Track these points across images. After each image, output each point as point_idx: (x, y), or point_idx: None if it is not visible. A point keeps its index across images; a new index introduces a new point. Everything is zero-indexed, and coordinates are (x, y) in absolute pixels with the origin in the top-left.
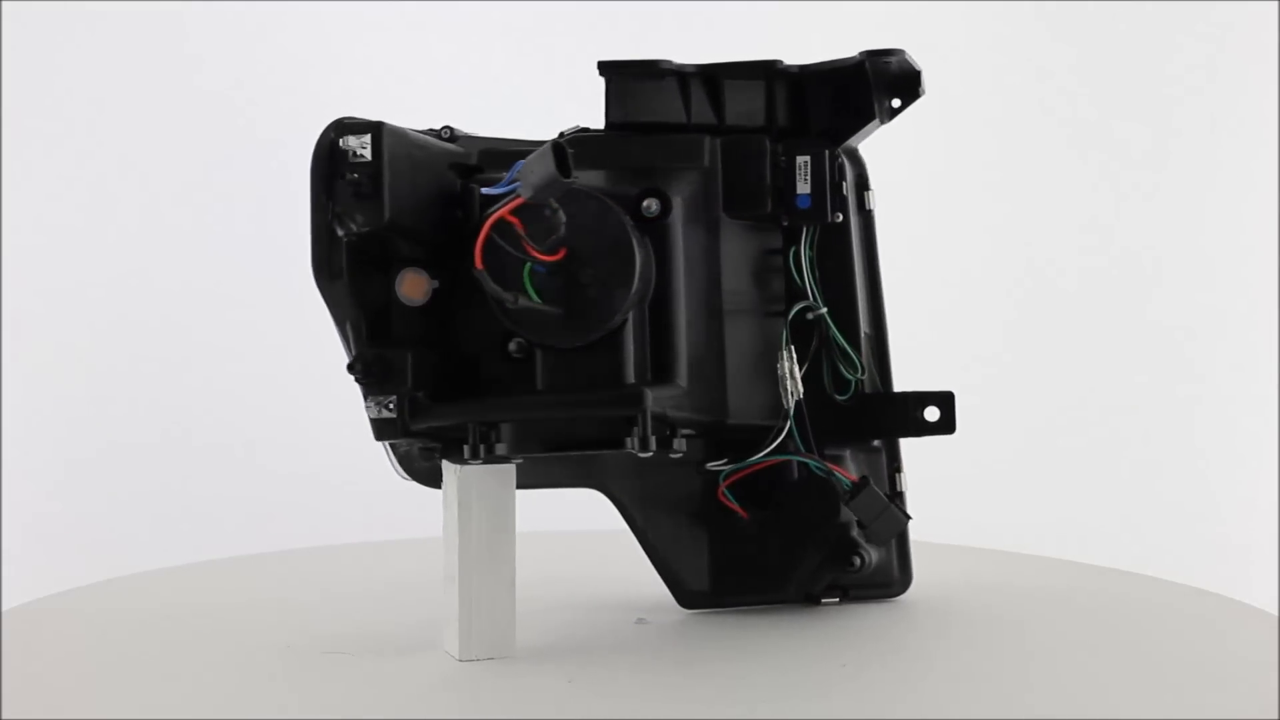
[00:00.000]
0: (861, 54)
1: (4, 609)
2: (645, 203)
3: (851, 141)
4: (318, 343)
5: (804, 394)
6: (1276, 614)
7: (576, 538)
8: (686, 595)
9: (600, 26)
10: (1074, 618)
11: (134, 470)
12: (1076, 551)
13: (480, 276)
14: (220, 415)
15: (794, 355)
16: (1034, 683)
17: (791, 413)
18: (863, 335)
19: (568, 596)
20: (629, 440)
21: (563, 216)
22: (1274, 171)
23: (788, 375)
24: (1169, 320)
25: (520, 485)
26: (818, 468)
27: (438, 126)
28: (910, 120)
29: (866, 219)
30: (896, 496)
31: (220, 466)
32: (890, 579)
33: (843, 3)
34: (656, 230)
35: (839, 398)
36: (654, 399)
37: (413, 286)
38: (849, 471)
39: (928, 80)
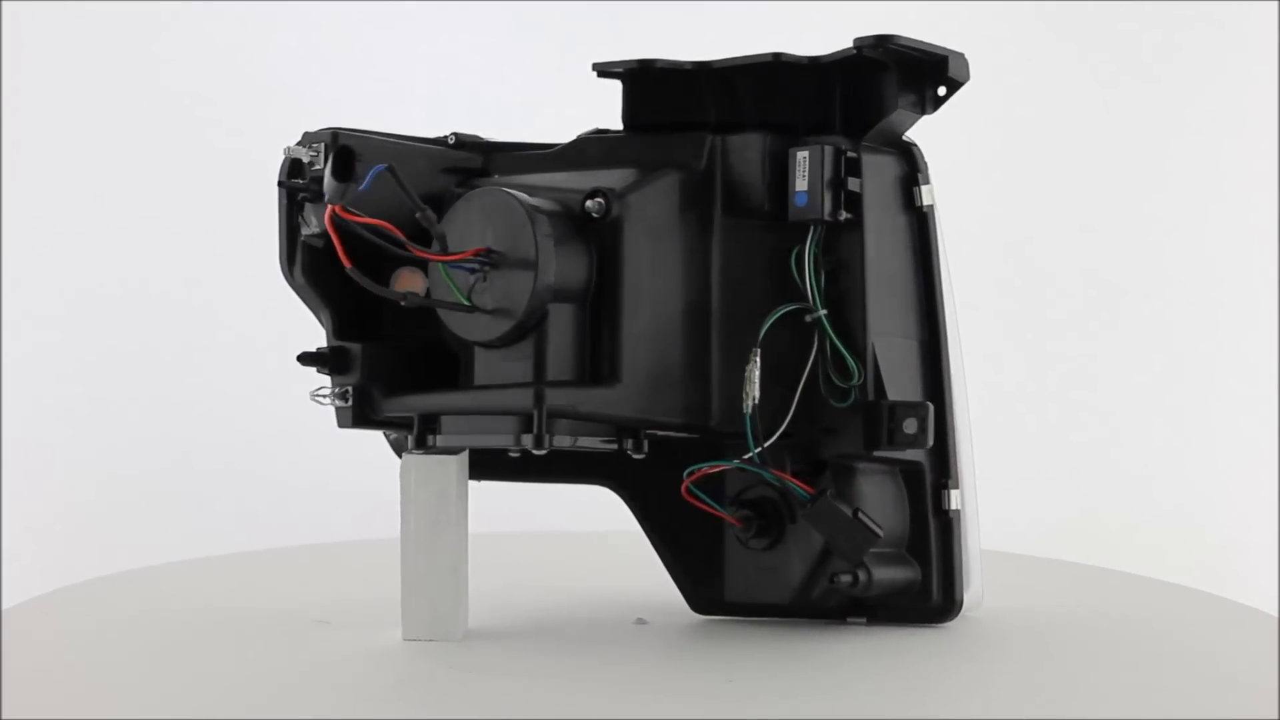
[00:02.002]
0: (855, 42)
1: (4, 608)
2: (588, 202)
3: (894, 131)
4: (317, 344)
5: (807, 400)
6: (1276, 616)
7: (581, 537)
8: (698, 600)
9: (623, 27)
10: (1071, 619)
11: (134, 470)
12: (1074, 553)
13: (354, 275)
14: (222, 414)
15: (758, 360)
16: (1032, 683)
17: (748, 418)
18: (912, 342)
19: (568, 594)
20: (524, 437)
21: (433, 216)
22: (1275, 171)
23: (747, 380)
24: (1169, 320)
25: (534, 480)
26: (771, 479)
27: (447, 134)
28: None
29: (918, 217)
30: (940, 515)
31: (222, 465)
32: (927, 602)
33: (848, 2)
34: (602, 229)
35: (836, 405)
36: (566, 397)
37: (405, 285)
38: (853, 484)
39: (961, 65)
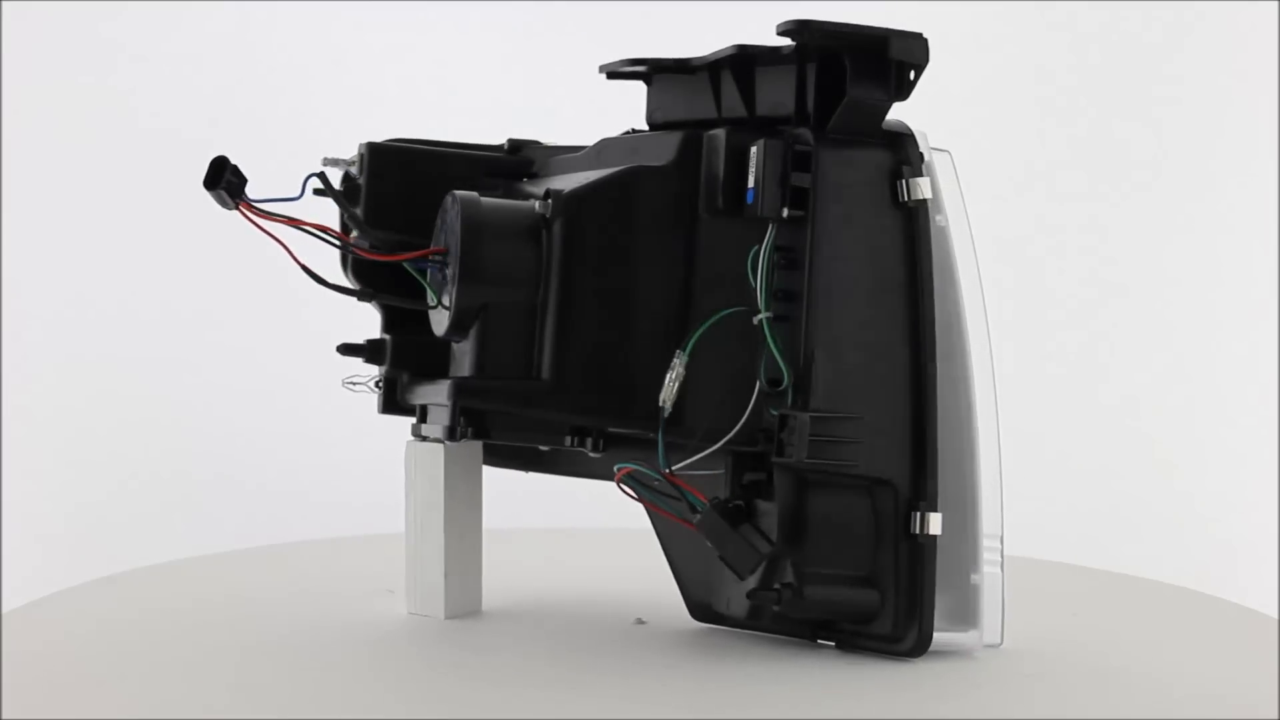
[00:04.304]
0: (778, 29)
1: (4, 610)
2: (536, 204)
3: (865, 120)
4: (319, 345)
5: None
6: (1277, 618)
7: (586, 534)
8: (693, 606)
9: (653, 28)
10: (1071, 620)
11: (136, 469)
12: (1071, 553)
13: (305, 272)
14: (223, 414)
15: (681, 365)
16: (1032, 683)
17: (663, 421)
18: (896, 349)
19: (570, 591)
20: (440, 428)
21: (359, 218)
22: (1274, 171)
23: (669, 381)
24: (1169, 320)
25: (552, 472)
26: (671, 486)
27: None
28: (900, 118)
29: (905, 214)
30: (910, 539)
31: (224, 465)
32: (890, 631)
33: (850, 3)
34: (551, 229)
35: (772, 412)
36: (491, 392)
37: None
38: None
39: (909, 45)
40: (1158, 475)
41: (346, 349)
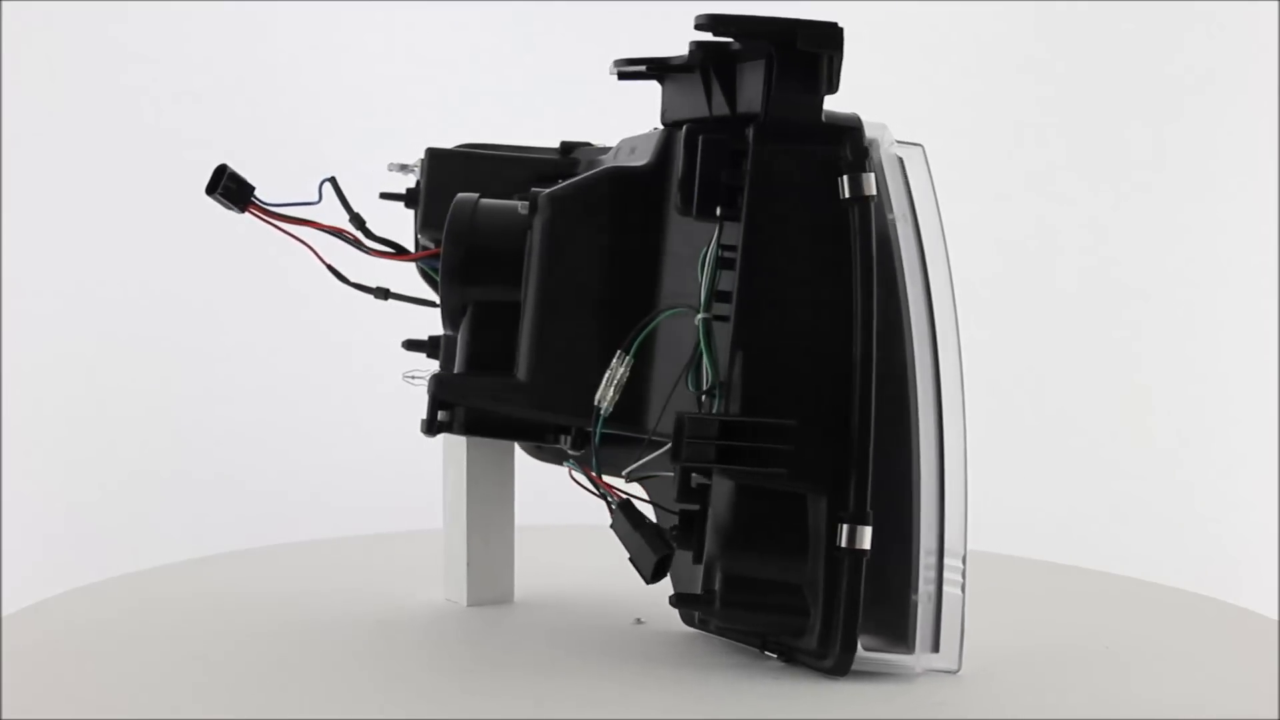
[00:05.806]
0: (695, 22)
1: (4, 610)
2: (518, 204)
3: (803, 114)
4: (321, 345)
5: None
6: (1277, 618)
7: (588, 532)
8: (683, 611)
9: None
10: (1071, 622)
11: (136, 469)
12: (1074, 554)
13: (329, 269)
14: (224, 413)
15: (623, 364)
16: (1034, 684)
17: (600, 419)
18: (837, 352)
19: (571, 590)
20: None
21: (362, 219)
22: (1274, 171)
23: (605, 381)
24: (1167, 320)
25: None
26: (588, 483)
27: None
28: (903, 119)
29: (841, 210)
30: (835, 552)
31: (227, 463)
32: (815, 648)
33: (851, 3)
34: (530, 229)
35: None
36: (462, 388)
37: None
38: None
39: (818, 34)
40: (1158, 475)
41: (410, 345)
